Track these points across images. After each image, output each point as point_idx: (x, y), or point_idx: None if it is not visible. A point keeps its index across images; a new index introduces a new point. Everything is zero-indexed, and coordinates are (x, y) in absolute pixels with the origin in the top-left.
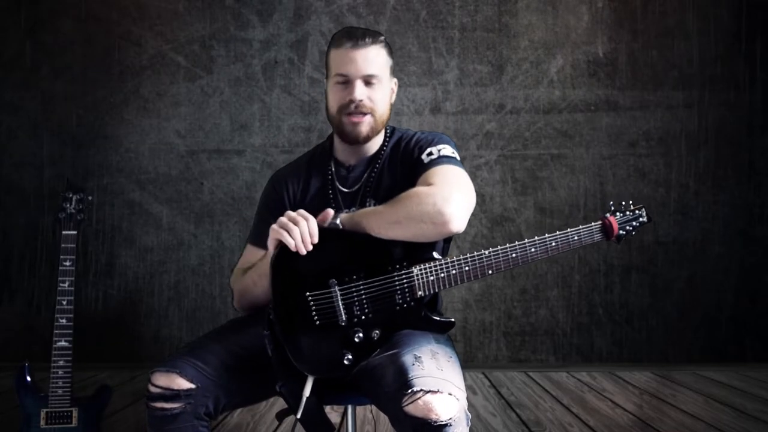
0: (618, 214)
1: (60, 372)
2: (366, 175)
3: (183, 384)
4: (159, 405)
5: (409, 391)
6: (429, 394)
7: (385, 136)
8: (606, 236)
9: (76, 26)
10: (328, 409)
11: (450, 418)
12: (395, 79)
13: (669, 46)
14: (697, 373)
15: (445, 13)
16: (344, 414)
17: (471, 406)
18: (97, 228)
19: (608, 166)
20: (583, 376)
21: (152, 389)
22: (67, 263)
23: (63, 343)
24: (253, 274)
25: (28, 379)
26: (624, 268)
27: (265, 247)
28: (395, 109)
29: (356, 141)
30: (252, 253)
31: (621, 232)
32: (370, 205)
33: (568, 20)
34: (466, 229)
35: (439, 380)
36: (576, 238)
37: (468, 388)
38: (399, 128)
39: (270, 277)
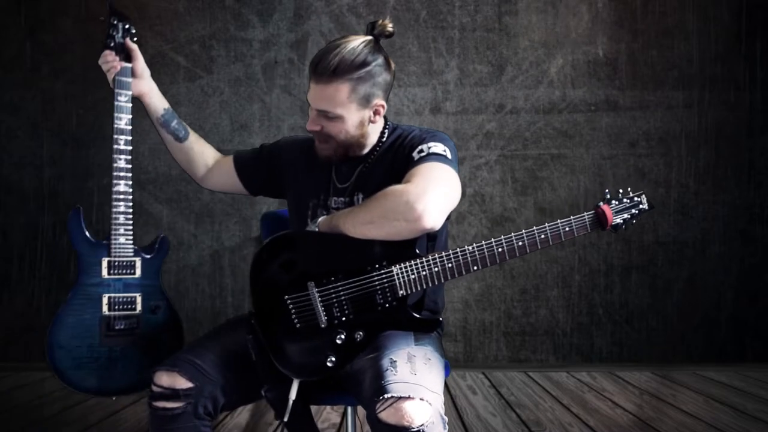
0: (614, 202)
1: (121, 218)
2: (358, 170)
3: (182, 383)
4: (161, 404)
5: (381, 397)
6: (400, 401)
7: (382, 134)
8: (601, 226)
9: (76, 26)
10: (327, 409)
11: (422, 424)
12: (379, 101)
13: (669, 46)
14: (697, 373)
15: (445, 13)
16: (344, 414)
17: (471, 406)
18: (97, 228)
19: (608, 166)
20: (583, 376)
21: (154, 389)
22: (122, 98)
23: (122, 187)
24: (198, 148)
25: (83, 222)
26: (624, 268)
27: (240, 171)
28: (395, 109)
29: (325, 161)
30: (227, 162)
31: (618, 220)
32: (359, 200)
33: (568, 20)
34: (465, 228)
35: (410, 385)
36: (567, 228)
37: (468, 388)
38: (401, 125)
39: (250, 282)
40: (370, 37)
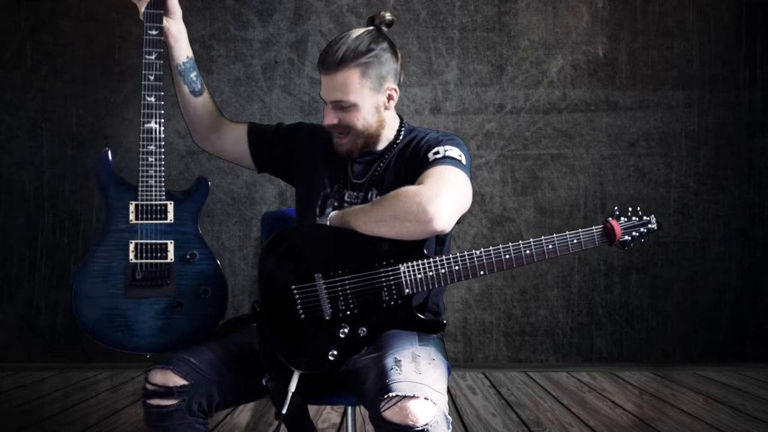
0: (623, 219)
1: (150, 159)
2: (373, 168)
3: (176, 381)
4: (154, 402)
5: (386, 396)
6: (405, 400)
7: (398, 132)
8: (609, 241)
9: (76, 26)
10: (327, 409)
11: (426, 423)
12: (390, 85)
13: (669, 46)
14: (697, 373)
15: (445, 13)
16: (344, 414)
17: (471, 406)
18: (97, 227)
19: (608, 166)
20: (583, 376)
21: (148, 387)
22: (153, 32)
23: (153, 124)
24: (206, 106)
25: (112, 165)
26: (624, 268)
27: (253, 141)
28: (395, 109)
29: (345, 156)
30: (240, 129)
31: (626, 237)
32: (373, 196)
33: (568, 20)
34: (465, 228)
35: (415, 384)
36: (575, 241)
37: (468, 388)
38: (417, 127)
39: (258, 271)
40: (371, 27)
